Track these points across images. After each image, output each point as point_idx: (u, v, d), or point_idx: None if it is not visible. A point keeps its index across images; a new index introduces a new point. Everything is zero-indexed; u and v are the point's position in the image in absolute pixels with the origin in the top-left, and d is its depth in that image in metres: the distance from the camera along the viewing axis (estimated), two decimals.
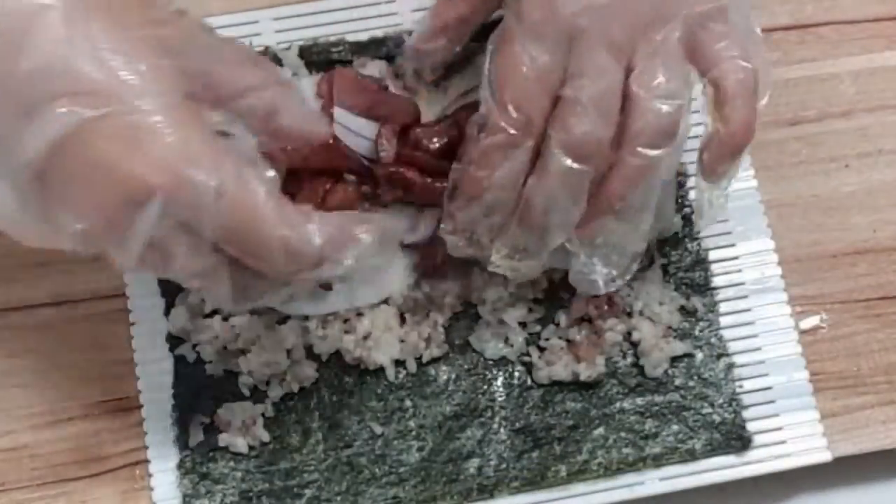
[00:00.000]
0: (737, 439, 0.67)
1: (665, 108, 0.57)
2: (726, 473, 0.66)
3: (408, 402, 0.67)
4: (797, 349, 0.69)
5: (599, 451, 0.66)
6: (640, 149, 0.58)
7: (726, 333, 0.69)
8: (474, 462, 0.66)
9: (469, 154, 0.60)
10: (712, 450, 0.67)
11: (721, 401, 0.67)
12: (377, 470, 0.66)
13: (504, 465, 0.66)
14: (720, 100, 0.59)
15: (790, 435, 0.67)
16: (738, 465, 0.66)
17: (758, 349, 0.69)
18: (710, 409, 0.67)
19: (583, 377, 0.67)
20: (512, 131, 0.58)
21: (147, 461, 0.66)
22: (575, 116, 0.57)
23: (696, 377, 0.68)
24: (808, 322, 0.70)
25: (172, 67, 0.51)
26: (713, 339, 0.69)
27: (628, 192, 0.59)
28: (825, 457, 0.67)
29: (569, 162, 0.57)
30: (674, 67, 0.58)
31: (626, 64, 0.58)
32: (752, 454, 0.67)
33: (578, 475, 0.66)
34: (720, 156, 0.60)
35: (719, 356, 0.69)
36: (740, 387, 0.68)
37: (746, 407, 0.67)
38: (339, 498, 0.65)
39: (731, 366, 0.68)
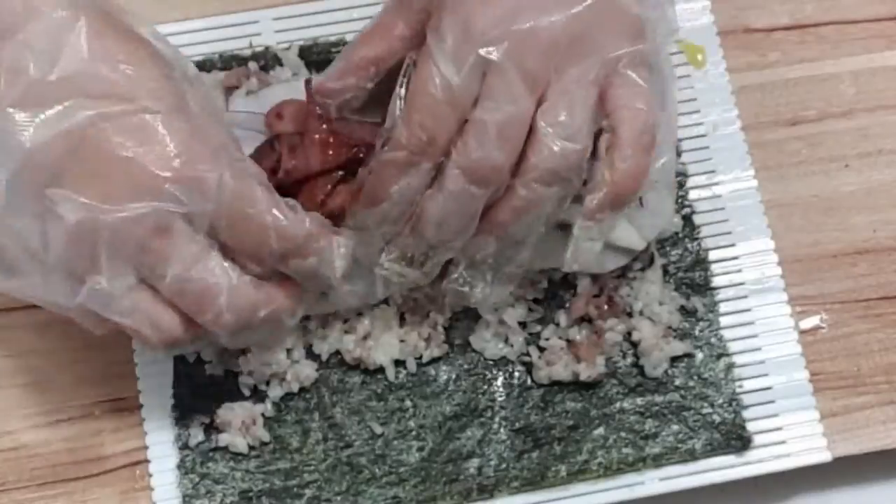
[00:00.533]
0: (737, 439, 0.66)
1: (561, 148, 0.56)
2: (726, 473, 0.66)
3: (408, 402, 0.67)
4: (797, 349, 0.68)
5: (599, 451, 0.66)
6: (532, 183, 0.57)
7: (726, 333, 0.69)
8: (474, 462, 0.66)
9: (373, 161, 0.60)
10: (712, 450, 0.66)
11: (721, 401, 0.67)
12: (377, 470, 0.66)
13: (504, 465, 0.66)
14: (613, 145, 0.58)
15: (790, 435, 0.67)
16: (738, 465, 0.66)
17: (758, 349, 0.69)
18: (710, 409, 0.67)
19: (583, 377, 0.67)
20: (412, 151, 0.57)
21: (147, 461, 0.66)
22: (476, 140, 0.56)
23: (696, 377, 0.68)
24: (808, 322, 0.69)
25: (175, 81, 0.57)
26: (713, 339, 0.69)
27: (511, 223, 0.59)
28: (825, 457, 0.66)
29: (465, 184, 0.57)
30: (581, 108, 0.57)
31: (539, 94, 0.57)
32: (752, 454, 0.66)
33: (578, 475, 0.66)
34: (601, 204, 0.59)
35: (719, 356, 0.68)
36: (740, 387, 0.68)
37: (746, 407, 0.67)
38: (339, 498, 0.65)
39: (731, 366, 0.68)
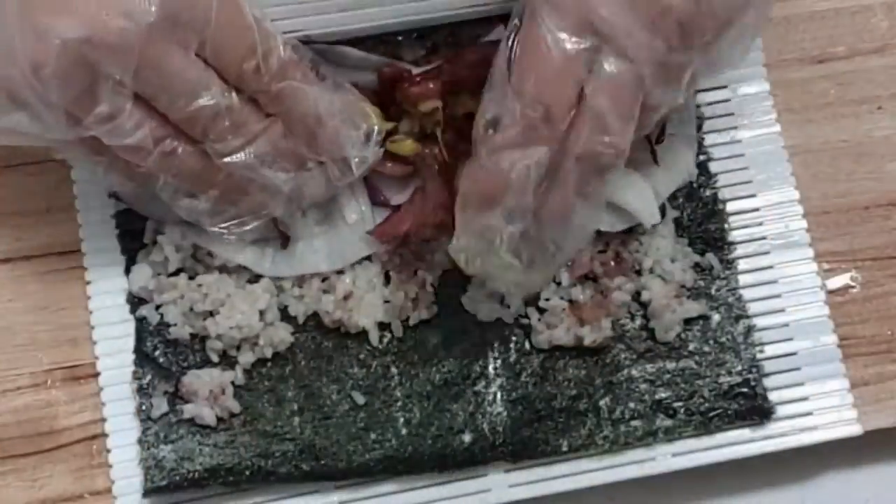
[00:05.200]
0: (757, 410, 0.65)
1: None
2: (745, 448, 0.65)
3: (393, 370, 0.65)
4: (824, 311, 0.67)
5: (605, 423, 0.65)
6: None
7: (745, 293, 0.67)
8: (466, 436, 0.64)
9: (480, 155, 0.57)
10: (730, 422, 0.65)
11: (739, 368, 0.66)
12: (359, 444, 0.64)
13: (499, 440, 0.64)
14: None
15: (816, 406, 0.65)
16: (759, 438, 0.65)
17: (781, 311, 0.67)
18: (727, 377, 0.65)
19: (587, 342, 0.65)
20: (529, 127, 0.55)
21: (105, 435, 0.64)
22: (599, 129, 0.55)
23: (711, 341, 0.66)
24: (837, 281, 0.68)
25: None
26: (731, 300, 0.67)
27: None
28: (855, 430, 0.65)
29: (587, 174, 0.56)
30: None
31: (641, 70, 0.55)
32: (773, 427, 0.65)
33: (582, 450, 0.64)
34: None
35: (738, 318, 0.67)
36: (761, 352, 0.66)
37: (768, 374, 0.66)
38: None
39: (750, 329, 0.67)
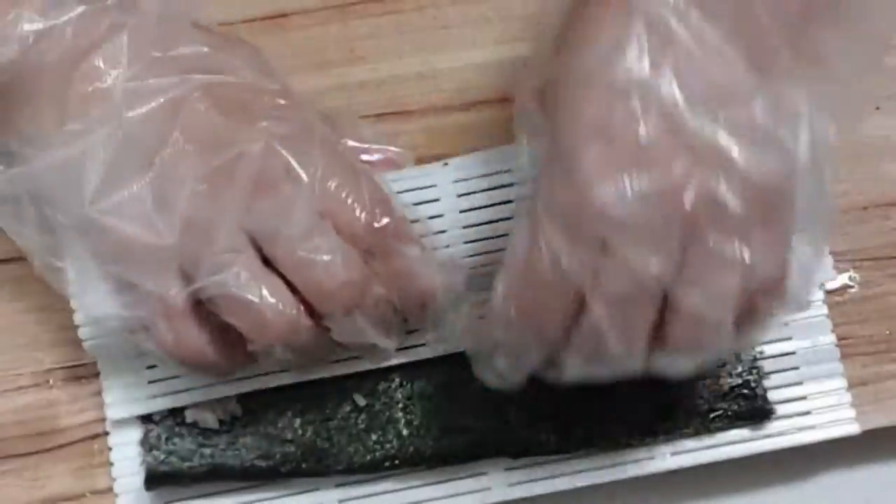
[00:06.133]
0: (756, 410, 0.63)
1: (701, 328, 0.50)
2: (744, 447, 0.63)
3: (394, 372, 0.64)
4: (823, 310, 0.65)
5: (606, 423, 0.63)
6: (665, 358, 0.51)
7: None
8: (467, 436, 0.63)
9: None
10: (729, 422, 0.63)
11: (739, 368, 0.64)
12: (360, 445, 0.63)
13: (500, 440, 0.63)
14: None
15: (815, 405, 0.64)
16: (758, 438, 0.64)
17: None
18: (727, 379, 0.64)
19: None
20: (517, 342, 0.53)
21: (106, 433, 0.63)
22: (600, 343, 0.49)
23: None
24: (836, 281, 0.66)
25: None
26: None
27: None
28: (853, 429, 0.64)
29: (587, 368, 0.52)
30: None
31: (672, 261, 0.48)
32: (772, 426, 0.64)
33: (582, 450, 0.63)
34: None
35: None
36: (760, 352, 0.64)
37: (767, 374, 0.64)
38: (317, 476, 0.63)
39: None
